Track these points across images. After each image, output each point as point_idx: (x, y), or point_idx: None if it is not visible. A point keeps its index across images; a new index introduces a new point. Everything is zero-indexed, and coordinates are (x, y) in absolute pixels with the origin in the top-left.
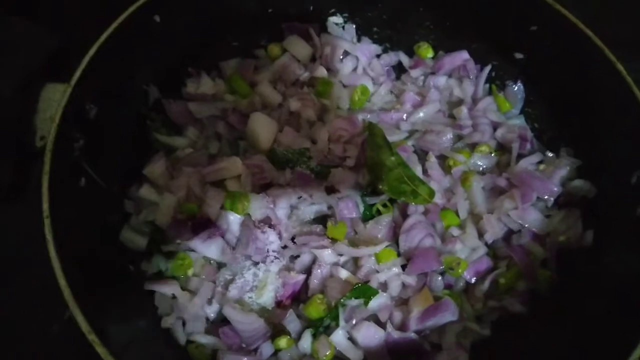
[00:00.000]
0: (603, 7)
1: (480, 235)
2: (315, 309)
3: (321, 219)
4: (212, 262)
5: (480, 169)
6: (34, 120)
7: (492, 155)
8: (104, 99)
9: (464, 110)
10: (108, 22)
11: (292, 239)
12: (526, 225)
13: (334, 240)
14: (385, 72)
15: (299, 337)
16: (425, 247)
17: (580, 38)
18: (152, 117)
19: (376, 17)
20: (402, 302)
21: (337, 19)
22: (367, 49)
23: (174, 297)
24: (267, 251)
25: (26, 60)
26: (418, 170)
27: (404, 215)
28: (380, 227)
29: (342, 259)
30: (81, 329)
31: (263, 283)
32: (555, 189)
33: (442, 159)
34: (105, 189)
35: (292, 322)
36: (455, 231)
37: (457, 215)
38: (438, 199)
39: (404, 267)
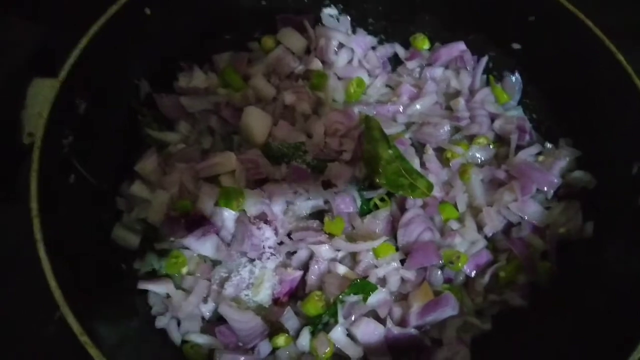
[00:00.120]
0: None
1: (480, 228)
2: (314, 305)
3: (318, 214)
4: (206, 259)
5: (479, 161)
6: (21, 116)
7: (490, 147)
8: (94, 94)
9: (461, 101)
10: (97, 14)
11: (289, 234)
12: (526, 218)
13: (331, 236)
14: (381, 64)
15: (297, 334)
16: (424, 241)
17: (579, 28)
18: (143, 112)
19: (371, 9)
20: (402, 298)
21: (331, 11)
22: (362, 40)
23: (168, 296)
24: (263, 248)
25: (12, 55)
26: (416, 163)
27: (402, 209)
28: (378, 221)
29: (340, 255)
30: (72, 330)
31: (259, 280)
32: (555, 180)
33: (440, 151)
34: (96, 186)
35: (289, 319)
36: (454, 224)
37: (456, 208)
38: (436, 192)
39: (402, 261)
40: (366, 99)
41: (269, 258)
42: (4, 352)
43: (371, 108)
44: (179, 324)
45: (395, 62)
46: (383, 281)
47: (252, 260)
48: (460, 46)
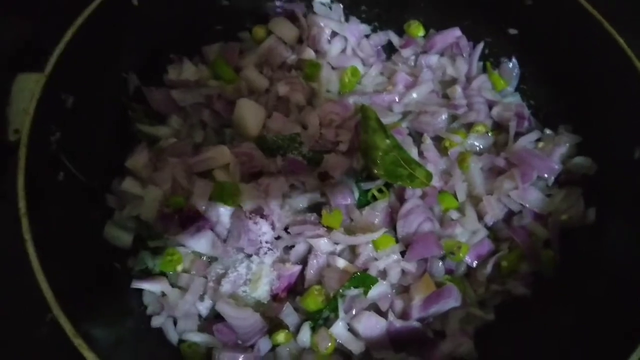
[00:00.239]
0: None
1: (480, 217)
2: (313, 300)
3: (315, 207)
4: (202, 256)
5: (477, 149)
6: (6, 113)
7: (489, 134)
8: (81, 89)
9: (458, 89)
10: (83, 6)
11: (286, 229)
12: (527, 206)
13: (329, 229)
14: (375, 53)
15: (297, 330)
16: (424, 232)
17: (577, 12)
18: (132, 106)
19: None
20: (403, 290)
21: None
22: (355, 28)
23: (163, 294)
24: (260, 243)
25: None
26: (414, 153)
27: (401, 200)
28: (377, 213)
29: (339, 248)
30: (66, 333)
31: (257, 276)
32: (556, 167)
33: (438, 140)
34: (86, 183)
35: (289, 315)
36: (454, 214)
37: (456, 197)
38: (435, 182)
39: (402, 253)
40: (361, 89)
41: (266, 253)
42: None
43: (366, 98)
44: (175, 323)
45: (389, 50)
46: (383, 274)
47: (249, 256)
48: (456, 32)
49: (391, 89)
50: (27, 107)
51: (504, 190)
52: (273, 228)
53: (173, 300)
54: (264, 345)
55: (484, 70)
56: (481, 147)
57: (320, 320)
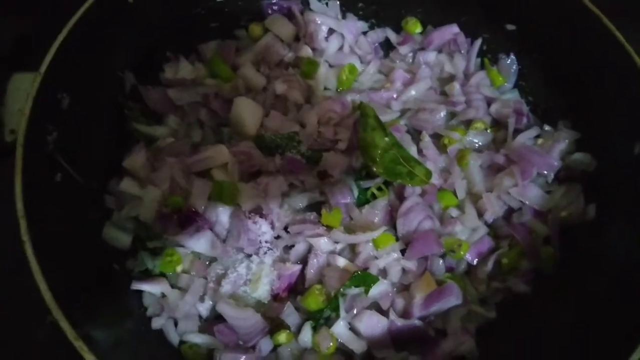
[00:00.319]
0: None
1: (480, 215)
2: (314, 300)
3: (314, 206)
4: (201, 256)
5: (476, 146)
6: (2, 113)
7: (488, 131)
8: (77, 88)
9: (456, 86)
10: (78, 4)
11: (285, 228)
12: (527, 203)
13: (329, 228)
14: (373, 50)
15: (298, 330)
16: (424, 229)
17: (576, 7)
18: (129, 105)
19: None
20: (404, 289)
21: None
22: (353, 26)
23: (163, 295)
24: (260, 242)
25: None
26: (413, 151)
27: (401, 198)
28: (377, 211)
29: (339, 247)
30: (66, 335)
31: (257, 276)
32: (556, 163)
33: (437, 137)
34: (83, 184)
35: (290, 315)
36: (454, 212)
37: (455, 195)
38: (435, 180)
39: (403, 251)
40: (359, 86)
41: (266, 253)
42: None
43: (364, 95)
44: (175, 324)
45: (387, 47)
46: (384, 272)
47: (248, 256)
48: (453, 29)
49: (389, 86)
50: (22, 107)
51: (504, 187)
52: (272, 227)
53: (173, 301)
54: (265, 345)
55: (482, 66)
56: (480, 144)
57: (321, 319)
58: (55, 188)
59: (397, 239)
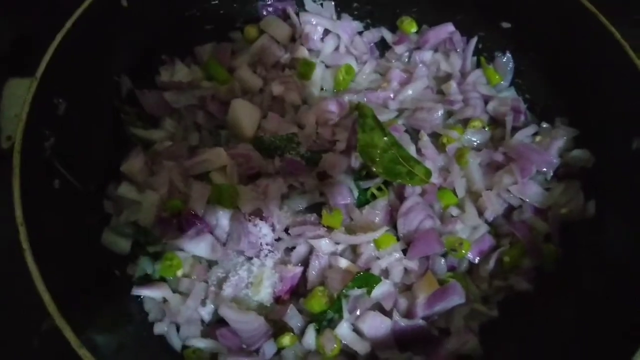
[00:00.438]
0: None
1: (480, 213)
2: (317, 302)
3: (314, 207)
4: (202, 260)
5: (475, 144)
6: None
7: (486, 129)
8: (73, 93)
9: (453, 85)
10: (71, 8)
11: (286, 230)
12: (527, 200)
13: (329, 229)
14: (369, 50)
15: (302, 333)
16: (425, 229)
17: (572, 4)
18: (125, 110)
19: None
20: (406, 288)
21: None
22: (348, 26)
23: (164, 300)
24: (261, 245)
25: None
26: (412, 150)
27: (401, 198)
28: (377, 211)
29: (340, 248)
30: (63, 342)
31: (259, 279)
32: (554, 160)
33: (435, 136)
34: (81, 189)
35: (293, 317)
36: (454, 211)
37: (455, 194)
38: (434, 179)
39: (404, 251)
40: (355, 87)
41: (267, 255)
42: None
43: (361, 95)
44: (178, 329)
45: (382, 47)
46: (386, 273)
47: (249, 259)
48: (449, 28)
49: (386, 86)
50: (19, 113)
51: (503, 185)
52: (273, 230)
53: (175, 306)
54: (269, 349)
55: (479, 65)
56: (478, 142)
57: (324, 321)
58: (54, 194)
59: (398, 239)
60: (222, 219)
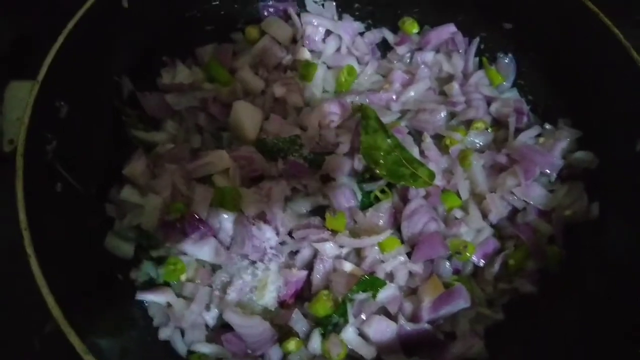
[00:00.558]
0: None
1: (484, 215)
2: (322, 306)
3: (318, 210)
4: (205, 264)
5: (478, 146)
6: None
7: (488, 131)
8: (75, 95)
9: (455, 86)
10: (71, 8)
11: (290, 233)
12: (531, 202)
13: (333, 232)
14: (370, 51)
15: (307, 337)
16: (429, 232)
17: (573, 4)
18: (127, 112)
19: None
20: (410, 292)
21: None
22: (349, 26)
23: (169, 305)
24: (265, 249)
25: None
26: (415, 152)
27: (404, 200)
28: (381, 214)
29: (344, 251)
30: (65, 345)
31: (263, 283)
32: (558, 162)
33: (437, 138)
34: (83, 192)
35: (298, 322)
36: (458, 213)
37: (459, 196)
38: (438, 181)
39: (408, 254)
40: (357, 88)
41: (271, 259)
42: None
43: (363, 97)
44: (182, 334)
45: (384, 48)
46: (390, 276)
47: (253, 263)
48: (451, 28)
49: (388, 87)
50: (20, 116)
51: (507, 187)
52: (277, 233)
53: (179, 310)
54: (274, 354)
55: (481, 66)
56: (481, 144)
57: (330, 326)
58: (56, 198)
59: (402, 242)
60: (226, 222)
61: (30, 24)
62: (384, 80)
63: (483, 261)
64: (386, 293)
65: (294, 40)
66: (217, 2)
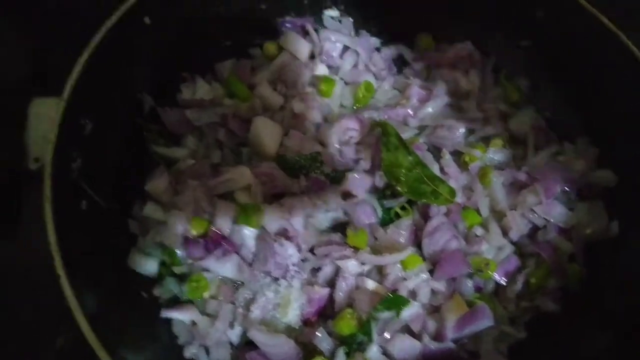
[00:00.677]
0: None
1: (505, 233)
2: (347, 324)
3: (339, 227)
4: (228, 281)
5: (497, 163)
6: (24, 139)
7: (507, 148)
8: (99, 112)
9: (472, 102)
10: (91, 23)
11: (311, 250)
12: (551, 220)
13: (355, 249)
14: (387, 67)
15: (331, 356)
16: (450, 249)
17: (592, 23)
18: (148, 127)
19: (373, 8)
20: (434, 310)
21: (333, 12)
22: (366, 42)
23: (193, 323)
24: (287, 266)
25: (8, 73)
26: (435, 169)
27: (425, 217)
28: (402, 231)
29: (366, 268)
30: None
31: (286, 300)
32: (578, 180)
33: (456, 155)
34: (107, 210)
35: (323, 340)
36: (478, 231)
37: (479, 213)
38: (458, 198)
39: (430, 272)
40: (374, 103)
41: (293, 276)
42: None
43: (381, 112)
44: (207, 352)
45: (400, 63)
46: (413, 294)
47: (276, 279)
48: (468, 45)
49: (405, 102)
50: (46, 134)
51: (527, 204)
52: (299, 250)
53: (203, 328)
54: None
55: (498, 82)
56: (500, 161)
57: (354, 344)
58: (82, 216)
59: (424, 259)
60: (248, 239)
61: (50, 40)
62: (401, 96)
63: (505, 279)
64: (410, 311)
65: (312, 56)
66: (236, 19)
